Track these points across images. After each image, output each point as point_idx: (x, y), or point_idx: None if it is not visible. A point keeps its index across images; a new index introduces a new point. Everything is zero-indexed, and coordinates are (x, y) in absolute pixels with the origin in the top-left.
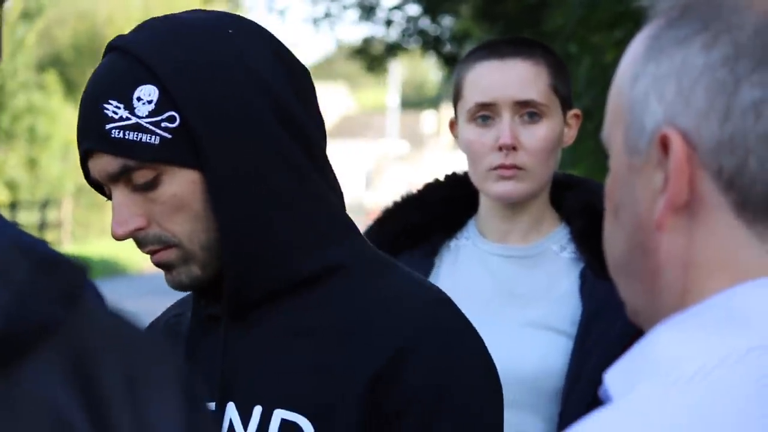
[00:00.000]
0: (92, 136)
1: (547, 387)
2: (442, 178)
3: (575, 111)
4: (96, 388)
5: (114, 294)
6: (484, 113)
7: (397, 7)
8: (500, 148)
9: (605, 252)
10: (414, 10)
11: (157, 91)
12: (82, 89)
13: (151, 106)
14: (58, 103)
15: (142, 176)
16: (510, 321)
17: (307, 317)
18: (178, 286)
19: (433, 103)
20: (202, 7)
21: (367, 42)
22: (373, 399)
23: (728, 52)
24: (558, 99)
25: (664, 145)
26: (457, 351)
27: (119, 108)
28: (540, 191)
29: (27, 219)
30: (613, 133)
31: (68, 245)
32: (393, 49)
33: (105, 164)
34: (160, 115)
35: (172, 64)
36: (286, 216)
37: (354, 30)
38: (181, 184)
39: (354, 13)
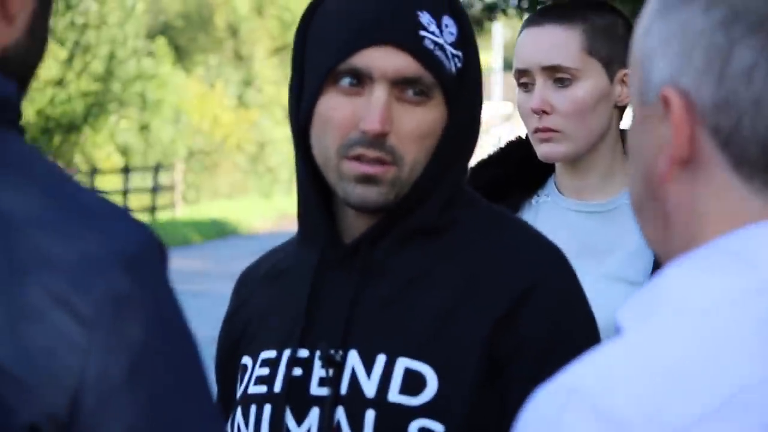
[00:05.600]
0: (403, 34)
1: None
2: (524, 136)
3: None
4: None
5: (227, 253)
6: (524, 79)
7: None
8: (535, 112)
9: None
10: None
11: (456, 28)
12: (192, 56)
13: (453, 38)
14: (168, 70)
15: (420, 92)
16: (587, 274)
17: (431, 267)
18: (370, 203)
19: None
20: None
21: (467, 6)
22: (492, 342)
23: (725, 15)
24: (597, 61)
25: (666, 102)
26: (575, 297)
27: (431, 23)
28: (584, 151)
29: (140, 183)
30: (632, 81)
31: (180, 207)
32: (491, 11)
33: (401, 65)
34: (456, 50)
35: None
36: (462, 171)
37: None
38: (437, 117)
39: None
